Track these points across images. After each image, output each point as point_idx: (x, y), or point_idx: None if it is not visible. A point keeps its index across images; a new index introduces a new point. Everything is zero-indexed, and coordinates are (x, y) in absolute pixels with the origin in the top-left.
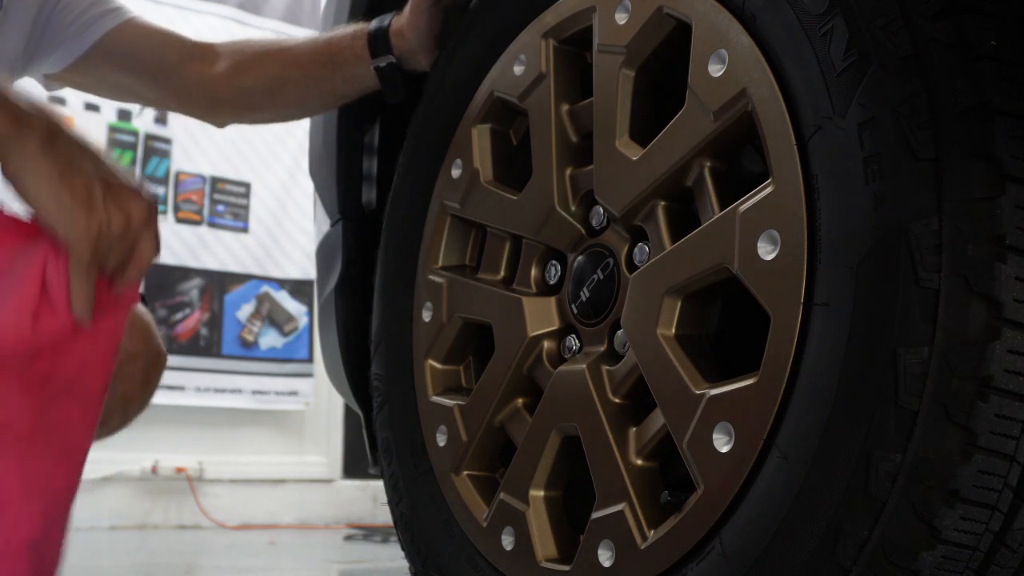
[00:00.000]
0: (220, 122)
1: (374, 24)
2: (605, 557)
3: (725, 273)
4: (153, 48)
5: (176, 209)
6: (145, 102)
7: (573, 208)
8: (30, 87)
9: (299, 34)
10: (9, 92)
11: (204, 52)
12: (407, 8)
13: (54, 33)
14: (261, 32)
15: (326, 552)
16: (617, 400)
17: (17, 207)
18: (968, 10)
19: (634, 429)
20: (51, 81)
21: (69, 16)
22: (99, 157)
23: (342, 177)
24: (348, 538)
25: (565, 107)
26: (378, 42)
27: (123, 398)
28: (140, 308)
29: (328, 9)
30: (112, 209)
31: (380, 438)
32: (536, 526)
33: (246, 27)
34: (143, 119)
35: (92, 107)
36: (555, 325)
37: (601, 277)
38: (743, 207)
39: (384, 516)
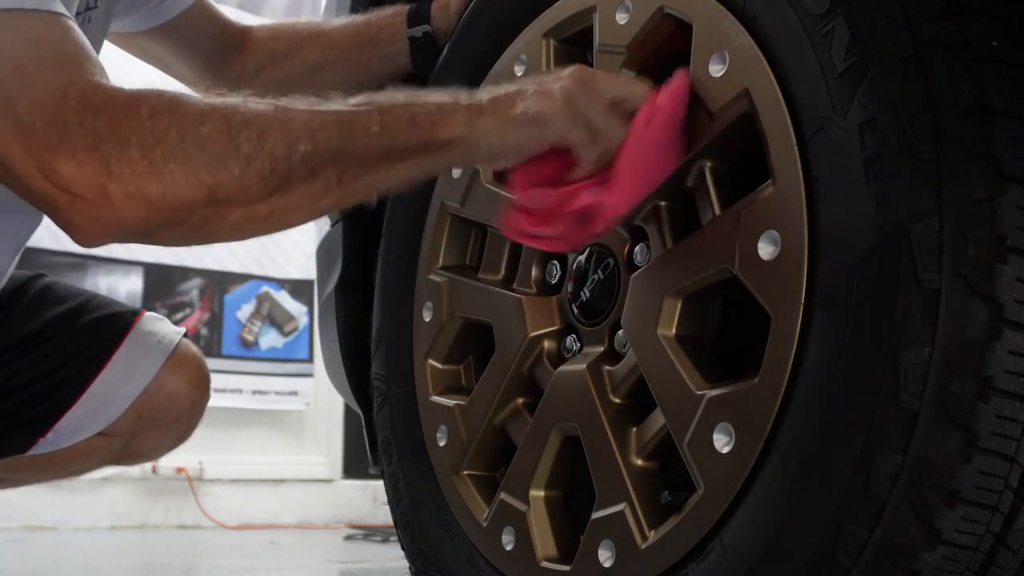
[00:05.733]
0: None
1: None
2: (605, 557)
3: (725, 273)
4: (208, 39)
5: None
6: (178, 79)
7: None
8: None
9: None
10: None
11: (244, 41)
12: None
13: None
14: None
15: (326, 552)
16: (617, 400)
17: None
18: (969, 11)
19: (634, 429)
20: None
21: None
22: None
23: None
24: (348, 538)
25: None
26: (417, 14)
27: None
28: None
29: (328, 9)
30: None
31: (380, 438)
32: (536, 526)
33: None
34: None
35: None
36: (555, 325)
37: (601, 277)
38: (743, 207)
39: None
